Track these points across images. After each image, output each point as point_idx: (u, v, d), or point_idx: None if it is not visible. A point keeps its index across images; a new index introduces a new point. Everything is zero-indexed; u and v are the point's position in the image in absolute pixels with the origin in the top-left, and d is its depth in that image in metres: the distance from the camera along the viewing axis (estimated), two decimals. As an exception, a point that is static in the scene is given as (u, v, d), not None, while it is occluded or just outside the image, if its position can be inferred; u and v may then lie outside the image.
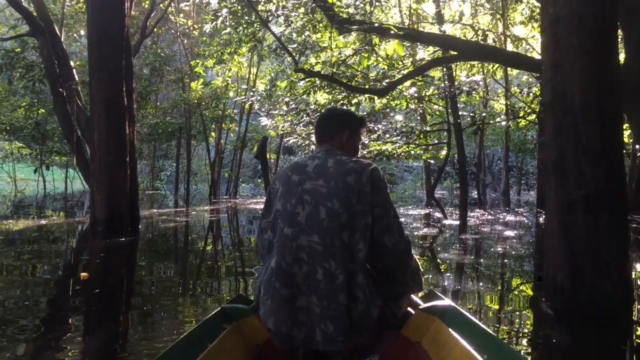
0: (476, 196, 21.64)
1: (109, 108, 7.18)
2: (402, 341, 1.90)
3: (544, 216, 12.15)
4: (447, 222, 10.51)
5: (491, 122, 12.57)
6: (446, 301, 2.06)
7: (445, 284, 4.41)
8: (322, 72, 8.20)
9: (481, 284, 4.57)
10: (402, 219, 9.42)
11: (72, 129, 9.73)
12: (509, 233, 8.66)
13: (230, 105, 21.64)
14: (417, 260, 2.03)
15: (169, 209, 13.26)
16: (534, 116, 16.51)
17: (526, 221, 11.56)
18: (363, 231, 1.71)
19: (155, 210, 12.13)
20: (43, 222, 9.07)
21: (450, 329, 1.79)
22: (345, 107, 11.86)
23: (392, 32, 6.86)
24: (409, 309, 2.00)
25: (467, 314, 1.94)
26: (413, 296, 2.11)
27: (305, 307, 1.69)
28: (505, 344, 1.71)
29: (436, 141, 12.85)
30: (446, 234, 8.69)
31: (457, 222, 10.32)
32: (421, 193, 25.63)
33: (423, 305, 2.00)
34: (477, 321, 1.86)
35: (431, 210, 14.01)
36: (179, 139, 19.84)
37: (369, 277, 1.73)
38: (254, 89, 16.33)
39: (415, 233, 8.52)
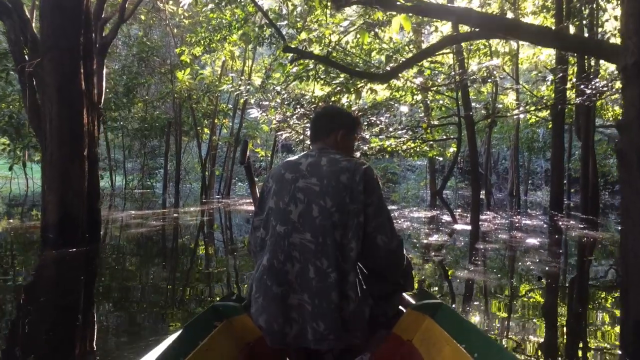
0: (482, 196, 20.61)
1: (61, 92, 6.06)
2: (393, 339, 1.89)
3: (566, 221, 11.03)
4: (457, 226, 9.37)
5: (507, 114, 11.40)
6: (437, 299, 2.02)
7: (476, 320, 3.28)
8: (316, 53, 7.08)
9: (528, 325, 3.43)
10: (407, 223, 8.32)
11: (38, 120, 8.61)
12: (532, 241, 7.53)
13: (224, 99, 20.54)
14: (409, 259, 1.94)
15: (153, 210, 12.13)
16: (546, 112, 15.40)
17: (545, 226, 10.41)
18: (355, 230, 1.70)
19: (133, 212, 11.01)
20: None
21: (441, 327, 1.79)
22: (343, 105, 10.77)
23: (397, 3, 5.73)
24: (401, 307, 1.98)
25: (458, 312, 1.98)
26: (404, 294, 2.07)
27: (297, 305, 1.68)
28: (495, 342, 1.60)
29: (444, 137, 11.69)
30: (459, 241, 7.55)
31: (469, 227, 9.20)
32: (425, 193, 24.44)
33: (414, 303, 1.97)
34: (467, 319, 1.92)
35: (438, 212, 12.87)
36: (167, 135, 18.69)
37: (360, 275, 1.71)
38: (242, 78, 15.18)
39: (423, 240, 7.38)
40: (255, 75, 18.95)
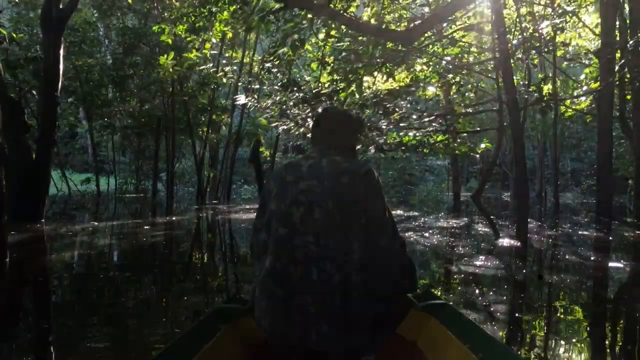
0: (508, 199, 18.42)
1: None
2: (397, 340, 1.88)
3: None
4: (501, 241, 7.27)
5: (565, 98, 9.24)
6: (441, 300, 1.98)
7: None
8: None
9: None
10: (436, 236, 5.91)
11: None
12: (616, 265, 5.42)
13: (224, 95, 18.59)
14: (411, 259, 1.87)
15: (124, 220, 10.22)
16: (585, 104, 13.18)
17: (610, 238, 8.26)
18: (357, 231, 1.68)
19: (95, 223, 9.09)
20: None
21: (445, 328, 1.78)
22: (353, 92, 8.78)
23: None
24: (404, 308, 1.96)
25: (463, 313, 1.96)
26: (408, 295, 2.02)
27: (301, 307, 1.64)
28: (500, 342, 1.58)
29: (478, 128, 9.55)
30: (515, 267, 5.44)
31: (516, 243, 7.10)
32: (446, 196, 22.25)
33: (418, 304, 1.95)
34: (472, 320, 1.88)
35: (468, 219, 10.70)
36: (157, 133, 16.77)
37: (363, 277, 1.67)
38: (226, 57, 13.13)
39: (465, 267, 5.26)
40: (257, 66, 16.96)
